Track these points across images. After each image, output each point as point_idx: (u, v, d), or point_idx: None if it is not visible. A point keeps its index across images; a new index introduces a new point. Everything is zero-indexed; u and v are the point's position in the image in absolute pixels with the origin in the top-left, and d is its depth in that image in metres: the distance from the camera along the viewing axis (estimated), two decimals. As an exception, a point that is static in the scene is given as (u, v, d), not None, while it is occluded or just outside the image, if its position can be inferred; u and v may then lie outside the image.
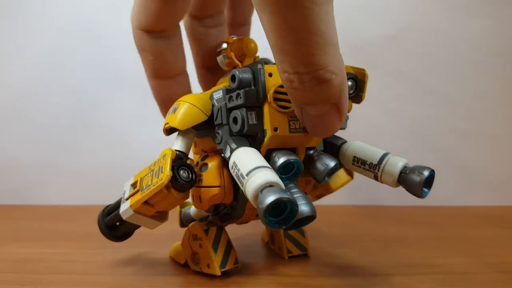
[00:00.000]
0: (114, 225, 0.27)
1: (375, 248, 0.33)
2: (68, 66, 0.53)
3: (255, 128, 0.22)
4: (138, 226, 0.27)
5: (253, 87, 0.22)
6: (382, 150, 0.25)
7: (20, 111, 0.53)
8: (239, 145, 0.21)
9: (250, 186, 0.18)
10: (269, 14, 0.17)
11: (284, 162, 0.22)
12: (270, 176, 0.18)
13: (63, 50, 0.53)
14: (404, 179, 0.23)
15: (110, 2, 0.51)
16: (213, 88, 0.25)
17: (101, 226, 0.27)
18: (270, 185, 0.18)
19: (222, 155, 0.25)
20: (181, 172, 0.23)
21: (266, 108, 0.22)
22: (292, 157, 0.22)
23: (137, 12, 0.26)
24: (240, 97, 0.22)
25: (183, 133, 0.25)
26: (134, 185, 0.25)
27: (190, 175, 0.23)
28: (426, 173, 0.22)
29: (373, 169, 0.24)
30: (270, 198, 0.17)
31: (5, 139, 0.53)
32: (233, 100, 0.23)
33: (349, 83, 0.24)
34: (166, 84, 0.28)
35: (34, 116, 0.53)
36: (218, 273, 0.25)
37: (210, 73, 0.30)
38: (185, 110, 0.24)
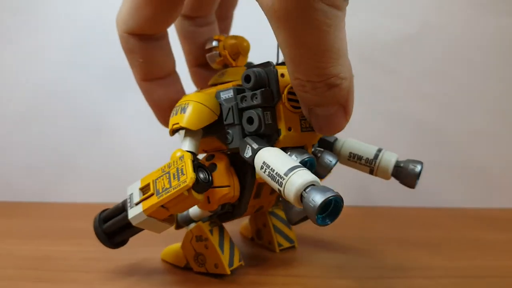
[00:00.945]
0: (112, 232, 0.26)
1: (376, 250, 0.32)
2: (86, 67, 0.51)
3: (270, 127, 0.23)
4: (137, 232, 0.25)
5: (267, 88, 0.23)
6: (375, 146, 0.27)
7: (41, 111, 0.52)
8: (262, 145, 0.22)
9: (292, 185, 0.19)
10: (285, 33, 0.18)
11: (302, 161, 0.22)
12: (310, 175, 0.19)
13: (82, 50, 0.51)
14: (398, 172, 0.26)
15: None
16: (219, 87, 0.25)
17: (98, 232, 0.26)
18: (312, 184, 0.19)
19: (228, 153, 0.25)
20: (199, 173, 0.22)
21: (280, 108, 0.23)
22: (306, 155, 0.23)
23: (126, 16, 0.25)
24: (256, 98, 0.22)
25: (191, 133, 0.24)
26: (143, 189, 0.23)
27: (207, 176, 0.23)
28: (419, 166, 0.26)
29: (369, 163, 0.27)
30: (320, 197, 0.18)
31: (27, 138, 0.52)
32: (246, 100, 0.23)
33: None
34: (157, 86, 0.27)
35: (55, 115, 0.52)
36: (228, 271, 0.25)
37: (203, 70, 0.29)
38: (195, 110, 0.23)
